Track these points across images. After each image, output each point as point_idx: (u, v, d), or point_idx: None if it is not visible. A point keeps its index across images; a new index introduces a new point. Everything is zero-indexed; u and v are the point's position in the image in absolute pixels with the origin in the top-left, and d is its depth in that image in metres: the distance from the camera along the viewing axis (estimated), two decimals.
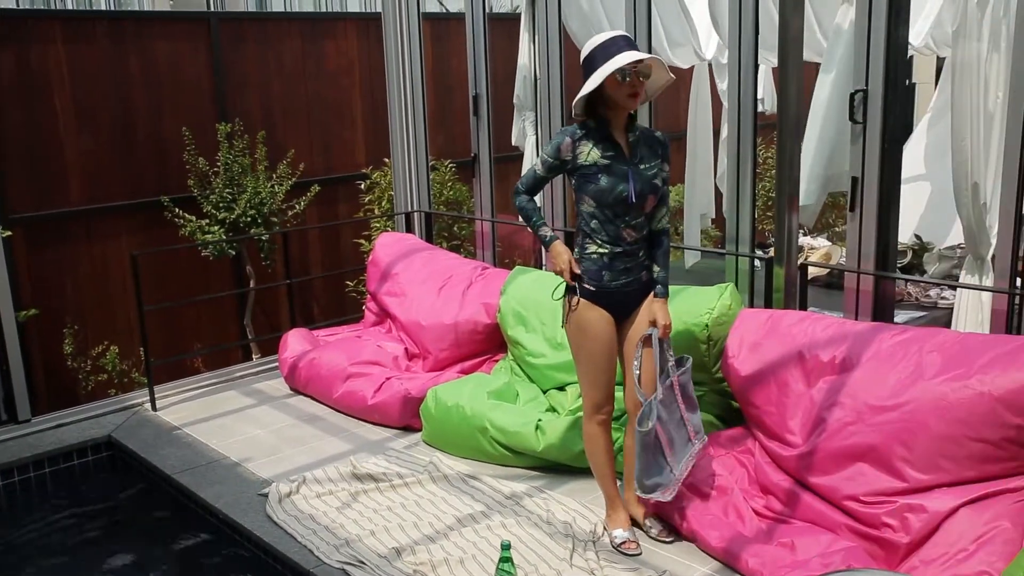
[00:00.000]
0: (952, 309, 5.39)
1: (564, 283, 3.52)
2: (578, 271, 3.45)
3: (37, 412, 5.23)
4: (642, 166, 3.39)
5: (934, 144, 7.02)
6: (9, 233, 5.88)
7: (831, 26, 5.16)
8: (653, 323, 3.48)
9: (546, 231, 3.47)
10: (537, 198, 3.54)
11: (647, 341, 3.49)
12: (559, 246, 3.46)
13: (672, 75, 3.40)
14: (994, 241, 4.00)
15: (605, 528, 3.68)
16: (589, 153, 3.35)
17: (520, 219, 3.64)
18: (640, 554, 3.52)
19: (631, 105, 3.31)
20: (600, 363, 3.51)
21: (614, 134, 3.38)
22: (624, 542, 3.55)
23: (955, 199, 4.24)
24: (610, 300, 3.47)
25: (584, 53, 3.35)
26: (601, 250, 3.42)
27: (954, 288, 5.63)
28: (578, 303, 3.47)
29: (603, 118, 3.37)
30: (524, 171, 6.73)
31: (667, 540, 3.60)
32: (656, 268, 3.51)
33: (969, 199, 4.14)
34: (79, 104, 6.91)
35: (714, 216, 7.53)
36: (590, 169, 3.34)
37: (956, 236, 6.01)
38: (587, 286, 3.45)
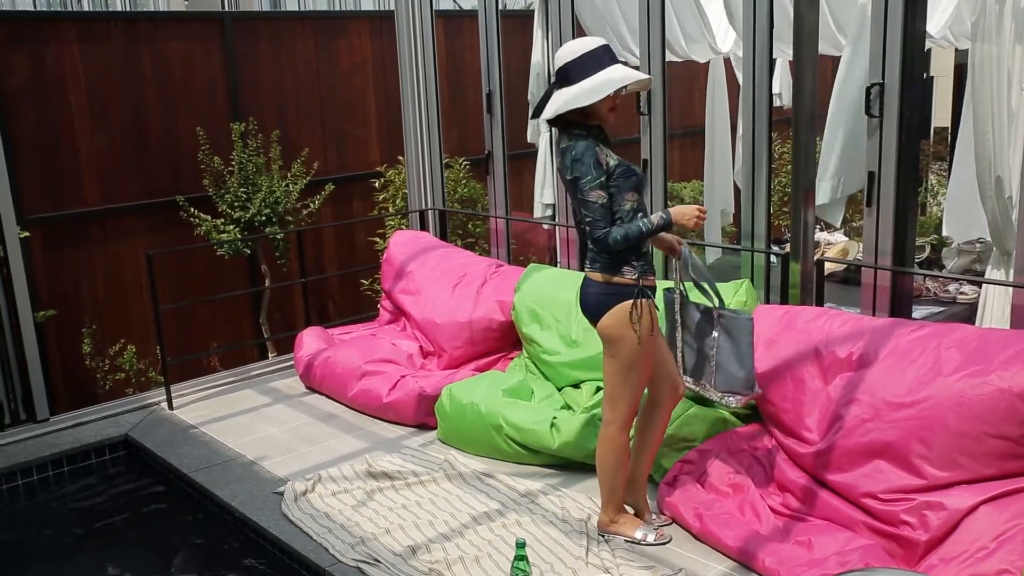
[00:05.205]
0: (971, 304, 5.34)
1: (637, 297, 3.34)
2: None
3: (55, 411, 5.27)
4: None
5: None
6: (26, 234, 5.92)
7: (846, 19, 5.11)
8: None
9: (655, 218, 3.31)
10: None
11: None
12: (676, 211, 3.34)
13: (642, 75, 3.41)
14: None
15: (627, 537, 3.57)
16: (610, 155, 3.34)
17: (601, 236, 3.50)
18: (669, 541, 3.55)
19: (611, 118, 3.34)
20: (658, 361, 3.50)
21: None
22: (655, 533, 3.56)
23: (979, 193, 4.19)
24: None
25: (569, 58, 3.27)
26: (646, 246, 3.43)
27: (973, 283, 5.59)
28: (651, 306, 3.35)
29: (586, 124, 3.33)
30: (537, 176, 6.71)
31: (669, 523, 3.66)
32: None
33: (993, 193, 4.09)
34: (94, 105, 6.95)
35: (734, 212, 7.46)
36: (622, 166, 3.34)
37: (975, 230, 5.94)
38: (648, 284, 3.37)
